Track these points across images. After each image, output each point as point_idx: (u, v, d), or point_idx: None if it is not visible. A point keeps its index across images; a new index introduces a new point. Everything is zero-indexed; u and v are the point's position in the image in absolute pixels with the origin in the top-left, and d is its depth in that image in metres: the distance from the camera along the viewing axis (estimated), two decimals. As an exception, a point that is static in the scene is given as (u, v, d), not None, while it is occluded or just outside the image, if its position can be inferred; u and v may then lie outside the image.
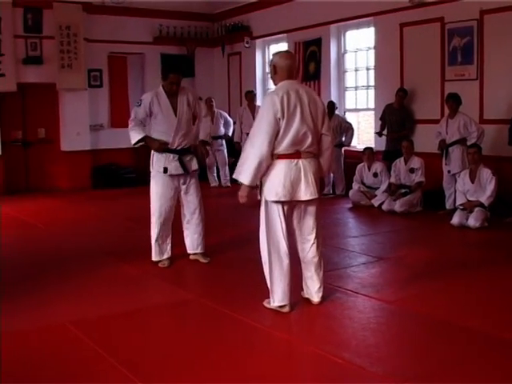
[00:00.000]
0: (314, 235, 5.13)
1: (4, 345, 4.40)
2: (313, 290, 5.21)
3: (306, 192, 4.95)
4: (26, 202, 11.66)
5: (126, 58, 14.43)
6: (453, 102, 9.35)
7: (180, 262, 6.82)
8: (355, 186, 10.65)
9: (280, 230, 5.00)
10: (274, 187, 4.94)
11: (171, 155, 6.46)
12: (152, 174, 6.59)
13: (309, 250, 5.15)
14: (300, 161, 4.95)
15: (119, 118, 14.19)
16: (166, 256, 6.66)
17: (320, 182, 5.13)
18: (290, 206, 5.08)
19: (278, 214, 4.99)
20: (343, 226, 9.13)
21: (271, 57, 5.31)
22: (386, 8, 10.96)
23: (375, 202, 10.22)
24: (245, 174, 4.92)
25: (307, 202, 5.06)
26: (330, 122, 5.27)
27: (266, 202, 5.04)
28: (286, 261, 5.02)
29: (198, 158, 6.68)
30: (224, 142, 13.36)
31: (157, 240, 6.59)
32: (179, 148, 6.48)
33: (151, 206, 6.60)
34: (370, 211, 10.05)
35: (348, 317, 5.00)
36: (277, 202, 4.96)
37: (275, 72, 5.10)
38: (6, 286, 5.87)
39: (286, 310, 5.05)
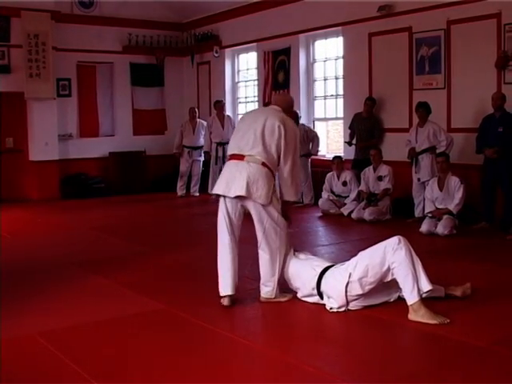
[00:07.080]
0: None
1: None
2: None
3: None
4: (-7, 213, 11.51)
5: (95, 67, 14.31)
6: (423, 111, 9.45)
7: (148, 272, 6.84)
8: (324, 194, 10.69)
9: None
10: None
11: None
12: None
13: None
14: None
15: (88, 128, 14.14)
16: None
17: None
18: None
19: None
20: (313, 235, 9.15)
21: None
22: (354, 18, 11.04)
23: (344, 211, 10.26)
24: None
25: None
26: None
27: None
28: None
29: None
30: (203, 152, 13.36)
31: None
32: None
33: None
34: (340, 220, 10.09)
35: (317, 326, 5.01)
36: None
37: None
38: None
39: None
